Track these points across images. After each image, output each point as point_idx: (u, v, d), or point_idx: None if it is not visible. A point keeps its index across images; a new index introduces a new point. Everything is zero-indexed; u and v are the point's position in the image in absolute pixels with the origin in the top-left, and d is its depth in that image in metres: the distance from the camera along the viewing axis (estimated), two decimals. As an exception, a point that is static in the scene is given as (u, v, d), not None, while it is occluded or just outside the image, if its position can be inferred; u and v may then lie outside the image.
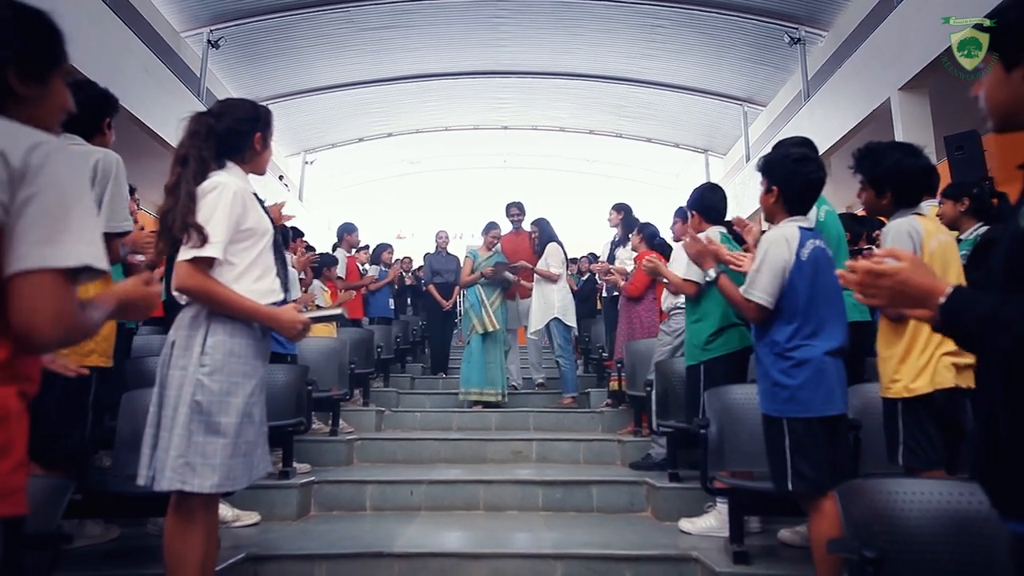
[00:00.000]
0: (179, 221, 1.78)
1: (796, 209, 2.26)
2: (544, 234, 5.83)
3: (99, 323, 1.13)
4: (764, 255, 2.18)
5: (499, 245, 5.91)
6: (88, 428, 2.20)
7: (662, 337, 4.07)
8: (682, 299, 3.93)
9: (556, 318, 5.50)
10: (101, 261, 0.99)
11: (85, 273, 0.98)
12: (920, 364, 2.13)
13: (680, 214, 4.72)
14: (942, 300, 0.99)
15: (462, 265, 5.96)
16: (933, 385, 2.11)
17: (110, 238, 2.19)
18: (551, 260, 5.63)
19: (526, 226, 6.13)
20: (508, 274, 5.49)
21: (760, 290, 2.15)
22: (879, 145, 2.35)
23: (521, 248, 6.02)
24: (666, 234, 4.98)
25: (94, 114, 2.33)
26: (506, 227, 6.15)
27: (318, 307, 4.74)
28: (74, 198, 0.98)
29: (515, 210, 6.23)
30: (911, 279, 1.03)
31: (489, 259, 5.60)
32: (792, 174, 2.25)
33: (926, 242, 2.17)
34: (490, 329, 5.32)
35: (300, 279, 4.89)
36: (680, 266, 3.24)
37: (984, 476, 1.04)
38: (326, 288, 5.42)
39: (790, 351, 2.12)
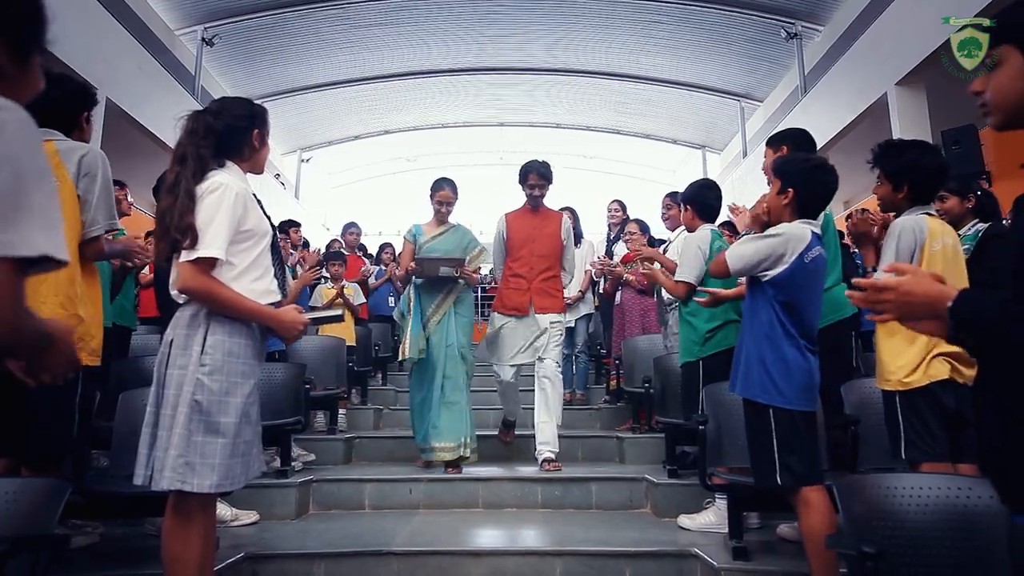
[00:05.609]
0: (177, 221, 1.77)
1: (805, 214, 2.24)
2: (575, 226, 4.90)
3: (37, 335, 0.95)
4: (763, 238, 2.19)
5: (503, 225, 3.89)
6: (75, 429, 2.17)
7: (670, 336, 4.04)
8: None
9: (590, 314, 5.29)
10: (61, 251, 0.86)
11: (41, 264, 0.85)
12: (916, 359, 2.16)
13: (674, 200, 4.40)
14: (949, 304, 0.99)
15: (401, 251, 4.25)
16: (928, 378, 2.15)
17: (99, 236, 2.19)
18: (588, 259, 5.02)
19: (548, 202, 3.99)
20: (444, 269, 3.65)
21: (740, 261, 2.19)
22: (900, 141, 2.42)
23: (544, 234, 3.86)
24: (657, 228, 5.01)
25: (72, 108, 2.28)
26: (519, 201, 4.00)
27: (313, 308, 4.70)
28: (33, 177, 0.85)
29: (535, 177, 3.81)
30: (914, 289, 1.04)
31: (435, 241, 3.81)
32: (811, 179, 2.24)
33: (928, 243, 2.20)
34: (414, 355, 3.59)
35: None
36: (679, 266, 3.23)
37: (993, 470, 1.04)
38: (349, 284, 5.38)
39: (787, 342, 2.13)
